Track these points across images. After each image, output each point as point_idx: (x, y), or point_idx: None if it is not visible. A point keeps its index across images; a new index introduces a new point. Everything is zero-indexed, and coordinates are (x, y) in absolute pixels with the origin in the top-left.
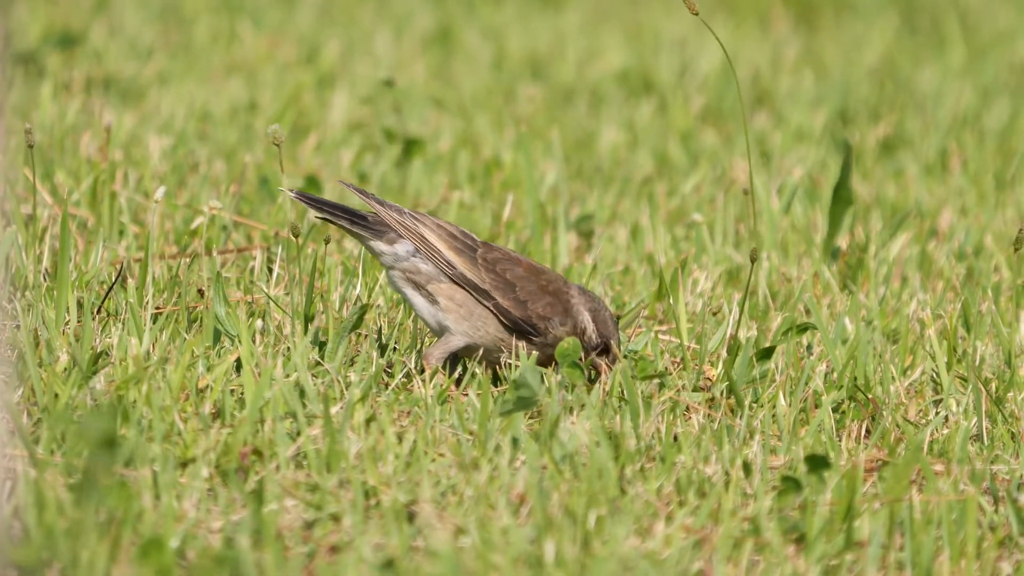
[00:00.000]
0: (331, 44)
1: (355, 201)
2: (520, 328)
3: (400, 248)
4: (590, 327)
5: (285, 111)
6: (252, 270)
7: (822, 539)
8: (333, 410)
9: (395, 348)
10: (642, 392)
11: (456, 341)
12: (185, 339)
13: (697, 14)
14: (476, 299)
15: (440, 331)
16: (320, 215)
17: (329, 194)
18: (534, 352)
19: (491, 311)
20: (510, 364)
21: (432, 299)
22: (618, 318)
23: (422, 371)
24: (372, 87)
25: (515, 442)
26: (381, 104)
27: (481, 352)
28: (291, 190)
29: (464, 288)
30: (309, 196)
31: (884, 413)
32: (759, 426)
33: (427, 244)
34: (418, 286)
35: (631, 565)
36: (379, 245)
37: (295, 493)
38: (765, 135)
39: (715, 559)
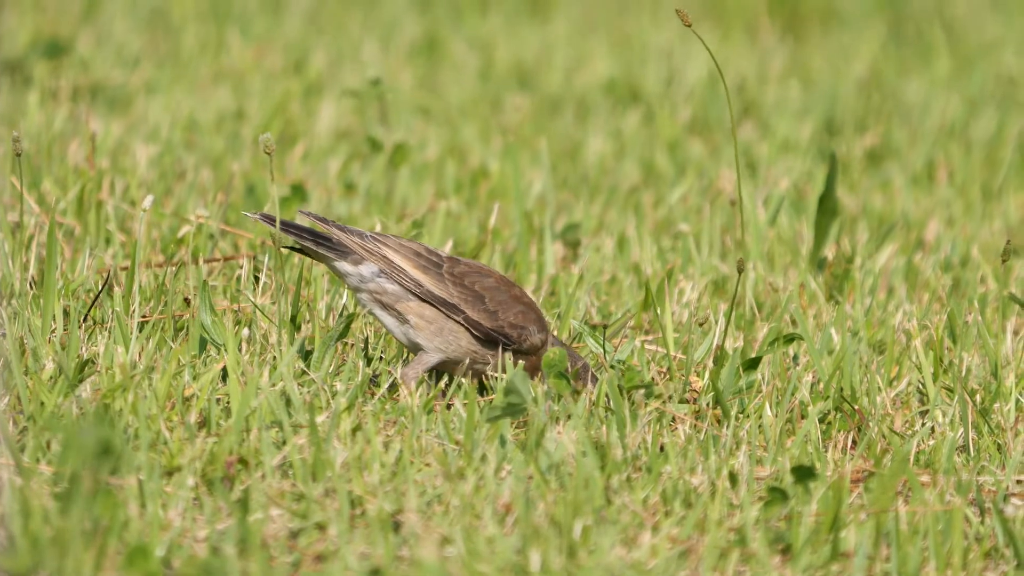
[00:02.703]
0: (318, 53)
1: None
2: (492, 339)
3: (365, 269)
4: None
5: (272, 120)
6: (238, 279)
7: (808, 550)
8: (319, 419)
9: (381, 357)
10: (629, 402)
11: (430, 358)
12: (171, 348)
13: (690, 25)
14: (446, 314)
15: (414, 349)
16: (285, 245)
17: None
18: (520, 361)
19: (461, 325)
20: (496, 376)
21: (402, 318)
22: (605, 326)
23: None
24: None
25: (502, 448)
26: (368, 112)
27: (465, 365)
28: (255, 213)
29: (433, 305)
30: (272, 218)
31: (870, 424)
32: (745, 436)
33: (391, 264)
34: (386, 306)
35: (617, 575)
36: (344, 266)
37: (281, 502)
38: (752, 145)
39: (701, 569)
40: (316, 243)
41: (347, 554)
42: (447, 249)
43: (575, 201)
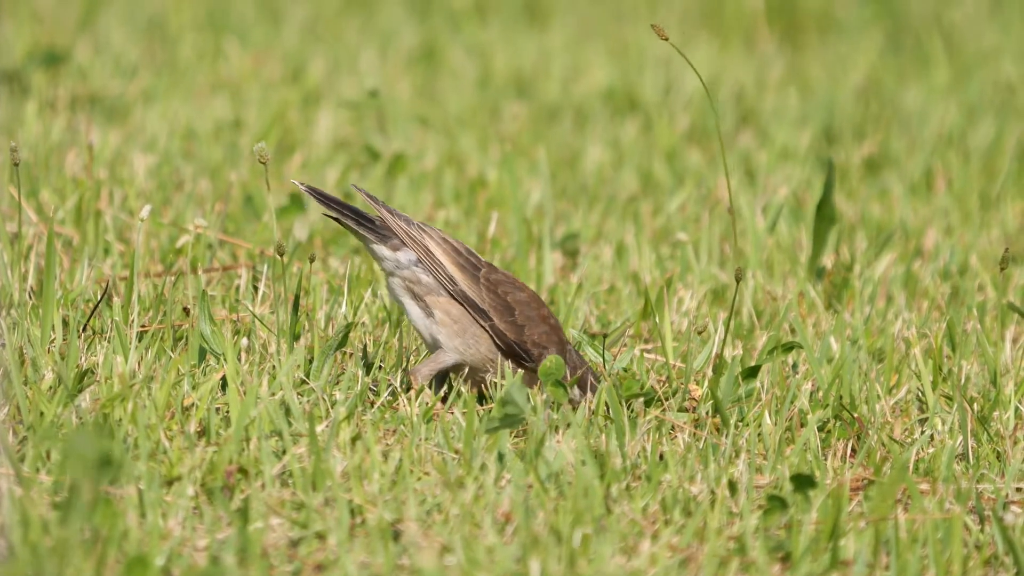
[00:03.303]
0: (316, 62)
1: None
2: (513, 352)
3: (403, 256)
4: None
5: (270, 129)
6: (237, 288)
7: (808, 558)
8: (319, 428)
9: (380, 366)
10: (628, 411)
11: (446, 358)
12: (171, 357)
13: (667, 39)
14: (473, 317)
15: (432, 344)
16: (328, 212)
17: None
18: (519, 371)
19: (486, 331)
20: (495, 383)
21: (428, 311)
22: (604, 335)
23: (407, 388)
24: (357, 98)
25: (501, 459)
26: (366, 121)
27: (467, 371)
28: (302, 184)
29: (462, 304)
30: (319, 192)
31: (870, 432)
32: (745, 445)
33: (431, 256)
34: (416, 296)
35: None
36: (382, 249)
37: (280, 511)
38: (750, 154)
39: None
40: (357, 222)
41: (347, 563)
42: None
43: (574, 210)
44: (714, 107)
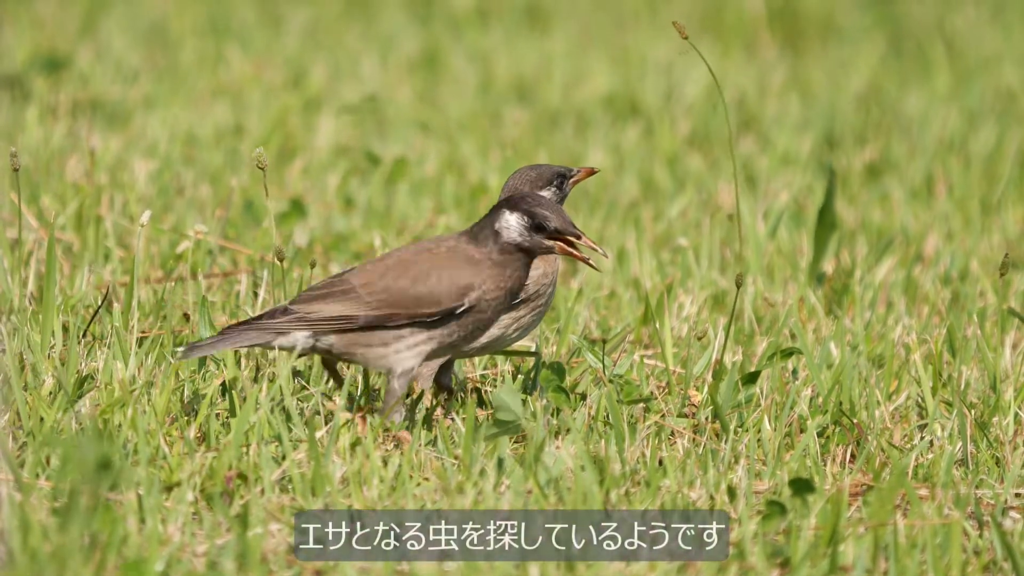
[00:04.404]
0: (317, 68)
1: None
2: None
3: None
4: (513, 219)
5: (271, 134)
6: (238, 294)
7: (807, 563)
8: (318, 434)
9: (380, 372)
10: (627, 416)
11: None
12: (170, 363)
13: (687, 38)
14: (386, 328)
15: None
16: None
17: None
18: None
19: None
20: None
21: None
22: (604, 341)
23: (410, 395)
24: (356, 104)
25: (500, 465)
26: (367, 127)
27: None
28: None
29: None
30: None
31: (869, 438)
32: (744, 450)
33: (315, 322)
34: (340, 355)
35: None
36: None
37: (280, 517)
38: (751, 159)
39: None
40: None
41: (346, 569)
42: None
43: (575, 215)
44: (724, 109)
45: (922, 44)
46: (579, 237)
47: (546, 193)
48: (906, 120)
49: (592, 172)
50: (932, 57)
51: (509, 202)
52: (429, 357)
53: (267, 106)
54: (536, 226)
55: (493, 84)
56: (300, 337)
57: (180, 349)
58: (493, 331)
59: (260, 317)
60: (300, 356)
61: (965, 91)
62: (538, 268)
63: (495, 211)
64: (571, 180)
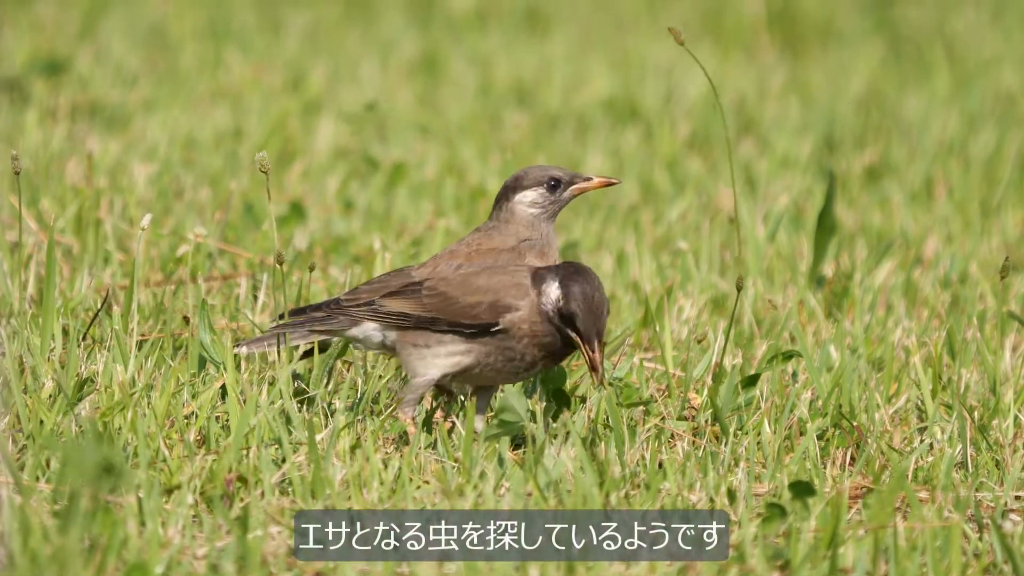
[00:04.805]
0: (317, 71)
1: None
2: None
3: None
4: (552, 292)
5: (271, 138)
6: (237, 297)
7: (807, 566)
8: (318, 437)
9: (380, 376)
10: (627, 419)
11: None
12: (170, 366)
13: (682, 43)
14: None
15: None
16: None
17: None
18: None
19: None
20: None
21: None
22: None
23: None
24: (355, 110)
25: (501, 465)
26: (366, 130)
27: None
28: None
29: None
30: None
31: (869, 440)
32: (744, 453)
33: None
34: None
35: None
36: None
37: (280, 519)
38: (751, 162)
39: None
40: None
41: (347, 571)
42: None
43: (574, 218)
44: (722, 114)
45: (922, 47)
46: (595, 369)
47: (531, 195)
48: (906, 123)
49: (609, 183)
50: (932, 60)
51: (558, 271)
52: (463, 375)
53: (267, 109)
54: (566, 316)
55: (493, 87)
56: (369, 327)
57: (242, 344)
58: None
59: (319, 307)
60: (368, 350)
61: (965, 94)
62: None
63: (548, 274)
64: (574, 187)
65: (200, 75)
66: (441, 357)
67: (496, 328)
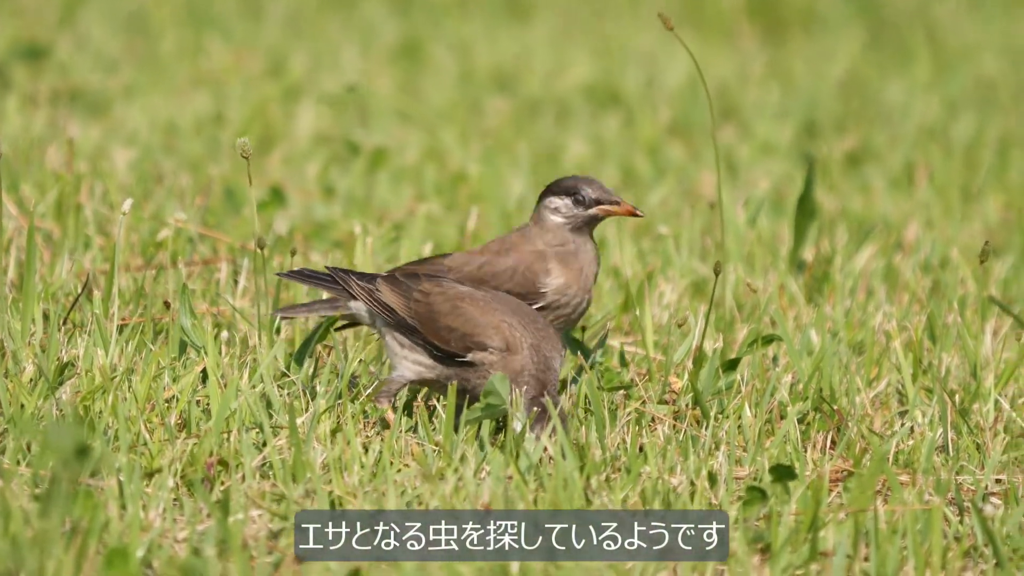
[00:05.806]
0: (297, 57)
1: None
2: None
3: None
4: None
5: (251, 123)
6: (218, 282)
7: (787, 549)
8: (299, 421)
9: (361, 360)
10: (608, 403)
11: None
12: (151, 350)
13: (672, 29)
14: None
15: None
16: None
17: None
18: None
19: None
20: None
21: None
22: (584, 329)
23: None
24: (336, 93)
25: (481, 449)
26: (347, 116)
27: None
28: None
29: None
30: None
31: (849, 424)
32: (724, 437)
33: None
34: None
35: (596, 575)
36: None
37: (261, 503)
38: (732, 148)
39: (680, 569)
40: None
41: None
42: (426, 251)
43: None
44: (709, 99)
45: (903, 33)
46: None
47: (557, 201)
48: (886, 109)
49: (634, 214)
50: (913, 46)
51: (547, 337)
52: (428, 384)
53: (247, 95)
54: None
55: (474, 73)
56: (361, 307)
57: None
58: None
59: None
60: (348, 326)
61: (946, 80)
62: (559, 278)
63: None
64: (599, 207)
65: (180, 61)
66: (410, 362)
67: (462, 360)
